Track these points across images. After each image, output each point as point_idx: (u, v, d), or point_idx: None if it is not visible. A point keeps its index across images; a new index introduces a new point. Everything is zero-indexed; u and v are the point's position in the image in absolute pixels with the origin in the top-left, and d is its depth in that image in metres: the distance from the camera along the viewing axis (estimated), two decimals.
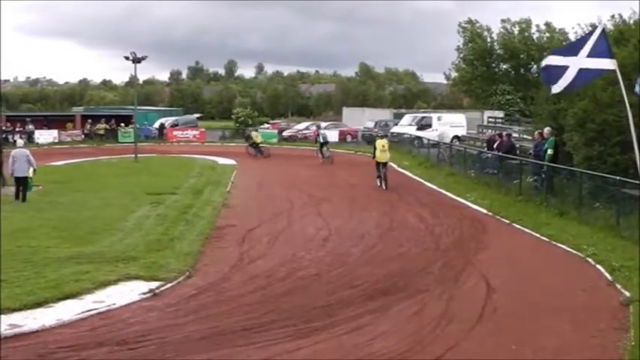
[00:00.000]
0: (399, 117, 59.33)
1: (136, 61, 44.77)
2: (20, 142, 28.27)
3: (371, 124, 56.88)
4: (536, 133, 25.06)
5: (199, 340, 9.53)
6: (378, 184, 27.91)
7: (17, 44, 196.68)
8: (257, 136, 46.31)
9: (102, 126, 55.06)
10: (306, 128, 60.77)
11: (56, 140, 54.77)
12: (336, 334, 9.90)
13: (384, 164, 28.18)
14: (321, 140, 40.70)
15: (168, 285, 12.30)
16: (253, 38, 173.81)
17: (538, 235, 17.34)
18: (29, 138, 53.46)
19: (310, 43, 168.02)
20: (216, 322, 10.33)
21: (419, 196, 25.13)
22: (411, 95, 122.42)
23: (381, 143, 28.54)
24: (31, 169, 23.60)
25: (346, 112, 76.88)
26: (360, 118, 63.06)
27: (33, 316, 10.27)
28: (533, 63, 67.90)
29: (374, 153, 28.36)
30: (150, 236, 16.53)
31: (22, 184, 23.34)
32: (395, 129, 51.57)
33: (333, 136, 52.27)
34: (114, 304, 10.98)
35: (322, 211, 21.56)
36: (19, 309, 10.49)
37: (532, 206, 20.97)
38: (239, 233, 17.72)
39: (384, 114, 68.84)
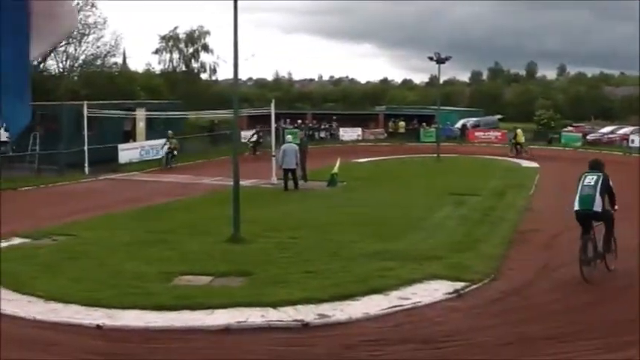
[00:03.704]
0: None
1: (440, 61, 45.58)
2: (289, 137, 29.79)
3: None
4: None
5: (505, 345, 9.36)
6: None
7: (319, 46, 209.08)
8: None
9: (402, 124, 56.89)
10: (612, 132, 57.65)
11: (360, 138, 56.71)
12: None
13: None
14: None
15: (473, 287, 12.21)
16: (554, 39, 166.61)
17: None
18: (332, 135, 56.31)
19: (614, 43, 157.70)
20: (521, 328, 10.10)
21: None
22: None
23: None
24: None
25: None
26: None
27: (340, 308, 10.68)
28: None
29: None
30: (453, 236, 16.64)
31: (292, 175, 26.18)
32: None
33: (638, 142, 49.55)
34: (419, 302, 11.09)
35: (632, 218, 20.14)
36: (327, 300, 10.99)
37: None
38: (543, 238, 17.15)
39: None
